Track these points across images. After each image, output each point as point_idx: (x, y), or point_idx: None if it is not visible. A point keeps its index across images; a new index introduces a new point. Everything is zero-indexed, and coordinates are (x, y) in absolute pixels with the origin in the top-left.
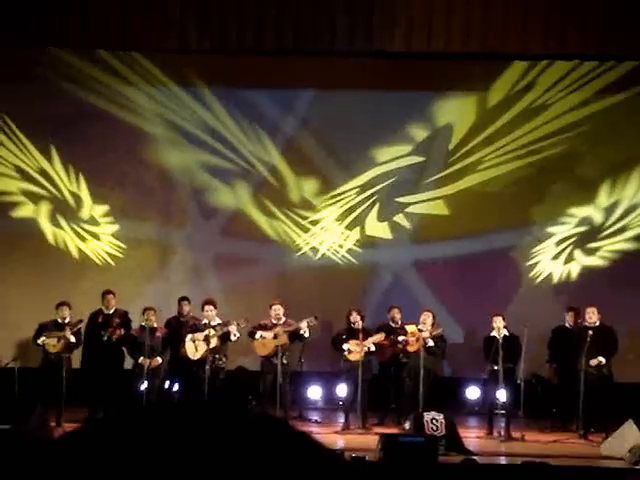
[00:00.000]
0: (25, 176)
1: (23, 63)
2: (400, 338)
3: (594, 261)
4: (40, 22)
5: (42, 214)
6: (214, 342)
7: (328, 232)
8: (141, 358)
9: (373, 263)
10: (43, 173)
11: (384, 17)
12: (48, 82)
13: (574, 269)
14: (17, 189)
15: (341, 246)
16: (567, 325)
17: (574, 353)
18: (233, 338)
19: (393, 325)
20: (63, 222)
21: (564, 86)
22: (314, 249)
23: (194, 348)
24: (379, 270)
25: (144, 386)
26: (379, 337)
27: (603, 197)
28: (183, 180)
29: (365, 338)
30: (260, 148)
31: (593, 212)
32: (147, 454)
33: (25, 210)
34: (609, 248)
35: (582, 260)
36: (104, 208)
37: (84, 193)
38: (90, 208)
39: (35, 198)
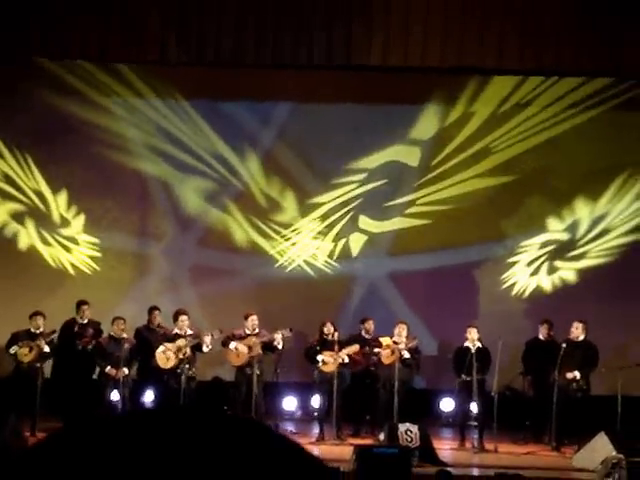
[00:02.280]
0: (6, 181)
1: (5, 76)
2: (375, 350)
3: (567, 274)
4: (23, 35)
5: (17, 223)
6: (186, 352)
7: (304, 243)
8: (108, 367)
9: (349, 275)
10: (18, 182)
11: (362, 32)
12: (27, 94)
13: (547, 282)
14: None
15: (317, 257)
16: (541, 337)
17: (547, 366)
18: (205, 349)
19: (366, 336)
20: (39, 232)
21: (541, 101)
22: (290, 260)
23: (165, 358)
24: (354, 282)
25: (116, 396)
26: (354, 348)
27: (577, 210)
28: (160, 191)
29: (339, 349)
30: (238, 160)
31: (567, 225)
32: (131, 458)
33: (1, 217)
34: (583, 262)
35: (556, 273)
36: (81, 218)
37: (61, 203)
38: (67, 218)
39: (10, 207)
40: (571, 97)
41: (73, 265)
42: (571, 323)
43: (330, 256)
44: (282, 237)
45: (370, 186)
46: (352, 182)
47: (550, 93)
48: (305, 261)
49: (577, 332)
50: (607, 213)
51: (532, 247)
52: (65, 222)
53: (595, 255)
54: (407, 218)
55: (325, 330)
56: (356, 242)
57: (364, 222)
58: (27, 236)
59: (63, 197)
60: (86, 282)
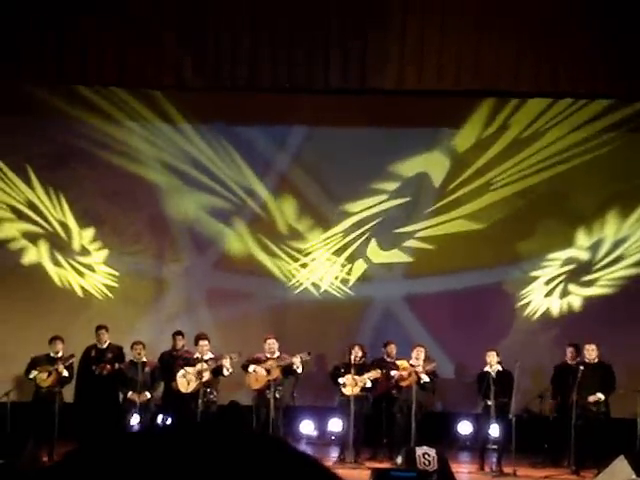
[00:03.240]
0: (17, 213)
1: (11, 99)
2: (392, 373)
3: (585, 296)
4: (36, 59)
5: (37, 250)
6: (206, 376)
7: (321, 267)
8: (130, 393)
9: (366, 298)
10: (35, 210)
11: (377, 55)
12: (38, 119)
13: (566, 304)
14: (10, 226)
15: (333, 281)
16: (568, 361)
17: (566, 389)
18: (226, 373)
19: (389, 360)
20: (59, 258)
21: (556, 122)
22: (306, 283)
23: (186, 382)
24: (371, 305)
25: (136, 420)
26: (375, 373)
27: (593, 233)
28: (177, 216)
29: (360, 373)
30: (253, 183)
31: (583, 247)
32: (146, 473)
33: (20, 243)
34: (600, 283)
35: (574, 295)
36: (99, 244)
37: (78, 230)
38: (85, 244)
39: (29, 235)
40: (591, 122)
41: (93, 289)
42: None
43: (346, 279)
44: (298, 260)
45: (386, 210)
46: (368, 206)
47: (567, 118)
48: (321, 284)
49: (593, 354)
50: (626, 237)
51: (550, 269)
52: (83, 248)
53: (612, 276)
54: (424, 241)
55: (353, 353)
56: (373, 265)
57: (380, 245)
58: (45, 262)
59: (78, 222)
60: (104, 306)
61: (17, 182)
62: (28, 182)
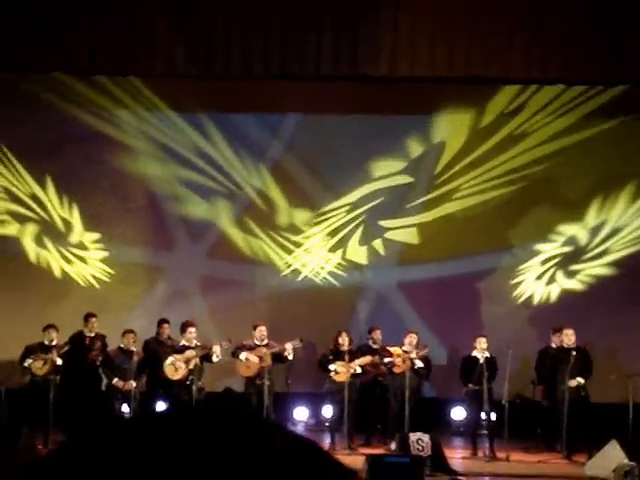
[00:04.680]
0: (12, 197)
1: (17, 88)
2: (386, 360)
3: (576, 283)
4: (34, 49)
5: (28, 237)
6: (194, 363)
7: (313, 254)
8: (115, 379)
9: (358, 285)
10: (25, 197)
11: (369, 42)
12: (40, 105)
13: (556, 290)
14: (3, 209)
15: (326, 268)
16: (553, 346)
17: (556, 374)
18: (215, 359)
19: (374, 346)
20: (49, 244)
21: (550, 111)
22: (299, 271)
23: (174, 369)
24: (364, 292)
25: (126, 408)
26: (366, 359)
27: (587, 219)
28: (170, 203)
29: (351, 360)
30: (247, 171)
31: (576, 234)
32: (142, 458)
33: (10, 230)
34: (590, 271)
35: (564, 282)
36: (91, 231)
37: (72, 215)
38: (77, 230)
39: (21, 219)
40: (583, 108)
41: (83, 277)
42: (582, 330)
43: (339, 266)
44: (291, 248)
45: (378, 197)
46: (361, 193)
47: (557, 102)
48: (314, 271)
49: (573, 339)
50: (617, 222)
51: (541, 256)
52: (75, 235)
53: (603, 264)
54: (416, 227)
55: (340, 340)
56: (365, 252)
57: (373, 232)
58: (36, 248)
59: (75, 210)
60: (95, 294)
61: (4, 172)
62: (18, 170)
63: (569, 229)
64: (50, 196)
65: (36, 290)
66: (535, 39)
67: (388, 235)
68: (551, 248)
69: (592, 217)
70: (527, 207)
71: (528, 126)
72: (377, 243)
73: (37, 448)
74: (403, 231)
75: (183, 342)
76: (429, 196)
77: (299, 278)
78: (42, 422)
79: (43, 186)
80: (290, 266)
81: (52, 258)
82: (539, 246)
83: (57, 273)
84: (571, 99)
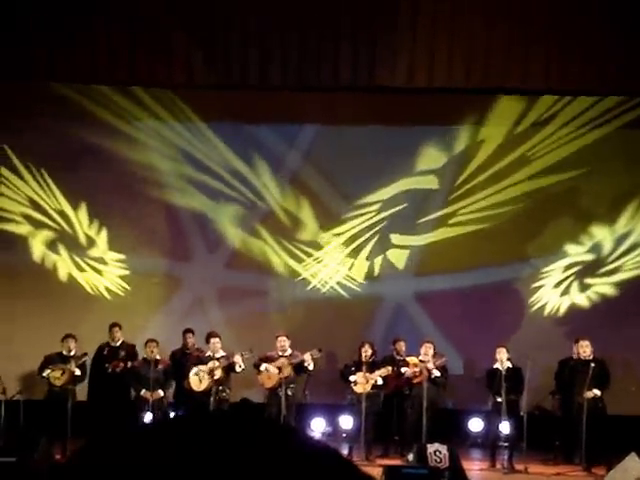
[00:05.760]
0: (35, 208)
1: (30, 99)
2: (403, 370)
3: (596, 293)
4: (46, 58)
5: (48, 248)
6: (218, 374)
7: (331, 264)
8: (143, 390)
9: (376, 295)
10: (46, 208)
11: (387, 53)
12: (57, 119)
13: (576, 301)
14: (21, 225)
15: (343, 278)
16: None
17: (573, 385)
18: (238, 369)
19: (398, 357)
20: (70, 255)
21: (567, 121)
22: (317, 281)
23: (198, 380)
24: (381, 302)
25: (149, 418)
26: (386, 371)
27: (611, 229)
28: (188, 214)
29: (371, 371)
30: (264, 182)
31: (600, 241)
32: (161, 462)
33: (32, 241)
34: (611, 280)
35: (585, 292)
36: (111, 242)
37: (92, 227)
38: (98, 241)
39: (40, 233)
40: (589, 115)
41: (105, 288)
42: (601, 342)
43: (357, 277)
44: (309, 258)
45: (396, 207)
46: (378, 203)
47: (573, 111)
48: (332, 282)
49: (588, 350)
50: (631, 231)
51: (560, 267)
52: (93, 245)
53: (622, 273)
54: (433, 239)
55: (362, 351)
56: (383, 262)
57: (390, 243)
58: (57, 260)
59: (91, 221)
60: (117, 305)
61: (29, 181)
62: (40, 181)
63: (589, 240)
64: (66, 205)
65: (58, 301)
66: (554, 49)
67: (407, 245)
68: (571, 259)
69: (620, 226)
70: (546, 219)
71: (548, 137)
72: (394, 253)
73: (55, 458)
74: (421, 242)
75: (208, 353)
76: (447, 207)
77: (316, 288)
78: (60, 432)
79: (62, 196)
80: (307, 276)
81: (73, 269)
82: (559, 257)
83: (78, 283)
84: (593, 107)
